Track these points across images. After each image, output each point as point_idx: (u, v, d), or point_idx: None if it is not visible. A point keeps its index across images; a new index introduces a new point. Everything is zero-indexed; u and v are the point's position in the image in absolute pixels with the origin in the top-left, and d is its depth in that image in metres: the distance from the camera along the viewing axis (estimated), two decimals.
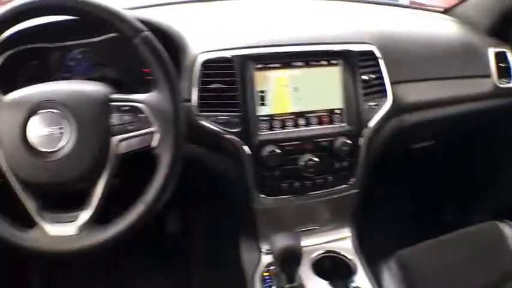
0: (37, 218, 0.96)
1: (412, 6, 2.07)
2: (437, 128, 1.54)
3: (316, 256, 1.29)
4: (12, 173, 0.93)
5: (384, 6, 1.89)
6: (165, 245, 1.93)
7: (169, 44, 1.17)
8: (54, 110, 0.93)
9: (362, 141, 1.24)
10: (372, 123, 1.24)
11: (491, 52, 1.54)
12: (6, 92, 1.13)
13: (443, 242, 1.39)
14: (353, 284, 1.23)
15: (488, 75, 1.52)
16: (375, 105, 1.25)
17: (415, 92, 1.38)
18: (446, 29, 1.64)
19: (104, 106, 0.95)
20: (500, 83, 1.52)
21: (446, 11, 1.82)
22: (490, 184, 1.95)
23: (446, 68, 1.47)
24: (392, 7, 1.90)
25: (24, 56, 1.25)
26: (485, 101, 1.53)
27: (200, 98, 1.14)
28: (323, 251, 1.30)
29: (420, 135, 1.55)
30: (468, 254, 1.34)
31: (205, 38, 1.22)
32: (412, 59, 1.41)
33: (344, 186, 1.27)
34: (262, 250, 1.31)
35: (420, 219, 2.01)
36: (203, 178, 1.35)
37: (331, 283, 1.21)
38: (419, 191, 2.08)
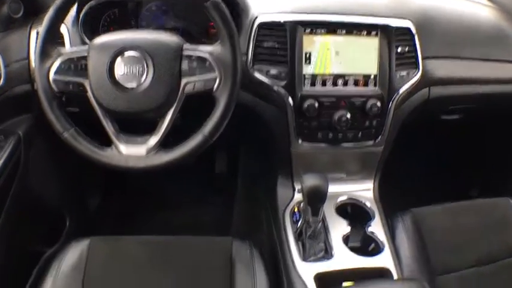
0: (114, 139, 1.12)
1: None
2: (463, 104, 1.60)
3: (339, 201, 1.44)
4: (96, 101, 1.10)
5: None
6: (213, 182, 2.14)
7: (234, 4, 1.34)
8: (137, 53, 1.08)
9: (391, 105, 1.36)
10: (401, 91, 1.35)
11: None
12: (90, 37, 1.29)
13: (457, 208, 1.49)
14: (369, 229, 1.37)
15: None
16: (405, 75, 1.36)
17: (445, 68, 1.46)
18: (484, 13, 1.68)
19: (177, 53, 1.09)
20: None
21: None
22: None
23: (477, 49, 1.52)
24: None
25: (105, 5, 1.41)
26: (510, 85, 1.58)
27: (254, 53, 1.30)
28: (346, 198, 1.45)
29: (447, 109, 1.62)
30: (478, 223, 1.44)
31: (263, 2, 1.36)
32: (445, 38, 1.47)
33: (371, 142, 1.40)
34: (295, 189, 1.48)
35: (440, 185, 2.08)
36: (250, 124, 1.49)
37: (349, 223, 1.36)
38: (444, 159, 2.16)
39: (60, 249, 1.27)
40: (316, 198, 1.22)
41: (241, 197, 2.05)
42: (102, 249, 1.27)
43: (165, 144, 1.14)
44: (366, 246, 1.35)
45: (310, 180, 1.20)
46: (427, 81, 1.42)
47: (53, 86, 1.10)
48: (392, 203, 1.49)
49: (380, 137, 1.40)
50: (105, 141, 1.15)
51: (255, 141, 1.81)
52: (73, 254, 1.24)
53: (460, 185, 2.12)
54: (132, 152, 1.12)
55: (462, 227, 1.42)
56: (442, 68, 1.46)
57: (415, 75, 1.38)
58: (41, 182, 1.57)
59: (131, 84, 1.09)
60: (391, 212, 1.45)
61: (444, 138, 2.09)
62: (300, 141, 1.38)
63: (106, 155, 1.13)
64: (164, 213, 2.00)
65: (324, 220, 1.35)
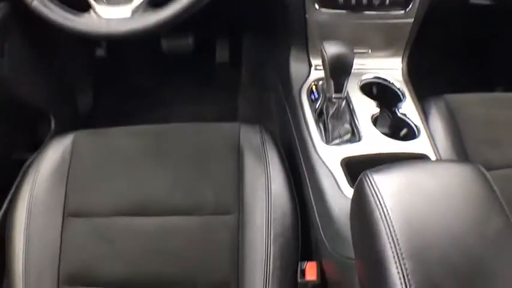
0: (91, 1, 0.97)
1: None
2: None
3: (364, 79, 1.26)
4: None
5: None
6: (214, 74, 1.95)
7: None
8: None
9: None
10: None
11: None
12: None
13: (493, 99, 1.36)
14: (400, 110, 1.19)
15: None
16: None
17: None
18: None
19: None
20: None
21: None
22: None
23: None
24: None
25: None
26: None
27: None
28: (372, 76, 1.27)
29: None
30: None
31: None
32: None
33: (400, 12, 1.22)
34: (311, 65, 1.29)
35: (466, 76, 1.93)
36: None
37: (378, 104, 1.19)
38: (472, 49, 2.00)
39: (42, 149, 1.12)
40: (340, 69, 1.04)
41: (246, 85, 1.87)
42: (88, 143, 1.12)
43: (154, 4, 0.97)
44: (397, 131, 1.18)
45: (334, 48, 1.03)
46: None
47: None
48: (422, 86, 1.32)
49: (411, 5, 1.21)
50: (82, 6, 0.99)
51: (262, 17, 1.61)
52: (55, 152, 1.10)
53: (485, 79, 1.97)
54: (114, 13, 0.96)
55: (500, 121, 1.25)
56: None
57: None
58: (19, 78, 1.39)
59: None
60: (422, 95, 1.28)
61: (473, 27, 1.90)
62: (317, 6, 1.19)
63: (83, 21, 0.97)
64: (161, 112, 1.83)
65: (347, 99, 1.17)
